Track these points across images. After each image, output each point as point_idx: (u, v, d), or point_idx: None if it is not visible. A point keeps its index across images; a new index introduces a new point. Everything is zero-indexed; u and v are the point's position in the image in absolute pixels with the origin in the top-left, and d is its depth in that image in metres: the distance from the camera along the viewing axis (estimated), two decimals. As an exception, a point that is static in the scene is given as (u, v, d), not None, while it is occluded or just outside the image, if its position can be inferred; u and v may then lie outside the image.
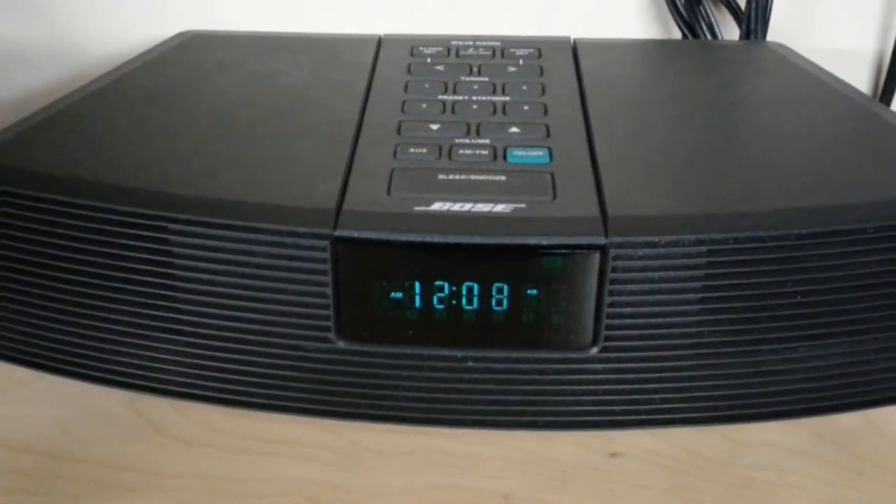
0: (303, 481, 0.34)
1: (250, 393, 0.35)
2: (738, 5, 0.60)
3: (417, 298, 0.33)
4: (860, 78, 0.65)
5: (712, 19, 0.58)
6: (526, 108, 0.42)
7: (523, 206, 0.33)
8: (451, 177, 0.35)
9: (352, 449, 0.35)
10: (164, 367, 0.36)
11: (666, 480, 0.34)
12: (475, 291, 0.32)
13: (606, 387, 0.34)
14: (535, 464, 0.35)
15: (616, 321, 0.33)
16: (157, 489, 0.33)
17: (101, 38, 0.65)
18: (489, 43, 0.53)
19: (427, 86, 0.46)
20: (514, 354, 0.34)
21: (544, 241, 0.32)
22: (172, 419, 0.37)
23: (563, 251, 0.32)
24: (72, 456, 0.35)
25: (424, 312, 0.33)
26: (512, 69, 0.48)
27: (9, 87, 0.67)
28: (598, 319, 0.33)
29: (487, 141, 0.39)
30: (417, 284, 0.32)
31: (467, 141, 0.39)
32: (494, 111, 0.42)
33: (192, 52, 0.52)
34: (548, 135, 0.39)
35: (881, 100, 0.63)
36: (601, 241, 0.32)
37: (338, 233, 0.32)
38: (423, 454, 0.35)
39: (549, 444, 0.35)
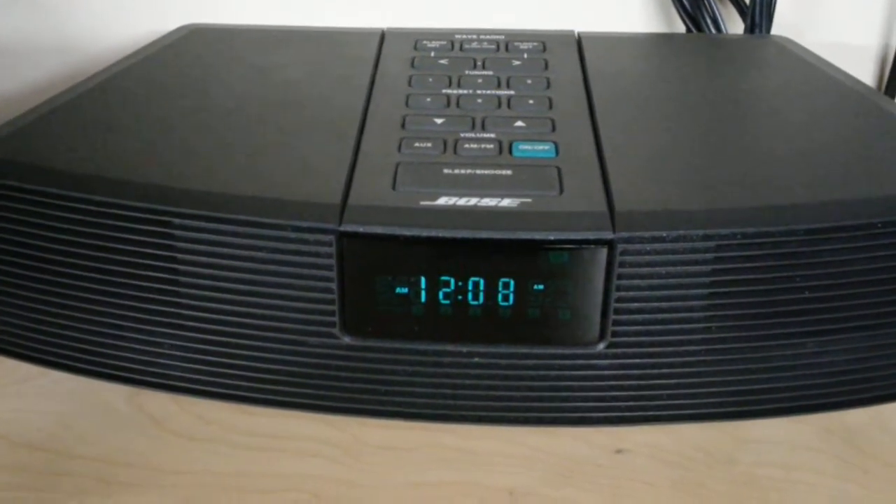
0: (306, 477, 0.34)
1: (254, 388, 0.35)
2: (742, -1, 0.59)
3: (423, 293, 0.32)
4: (865, 71, 0.65)
5: (716, 13, 0.58)
6: (531, 102, 0.42)
7: (529, 200, 0.33)
8: (456, 171, 0.35)
9: (356, 444, 0.35)
10: (167, 362, 0.36)
11: (671, 477, 0.34)
12: (481, 287, 0.32)
13: (612, 383, 0.34)
14: (540, 459, 0.34)
15: (623, 317, 0.32)
16: (159, 485, 0.33)
17: (102, 32, 0.65)
18: (493, 37, 0.53)
19: (431, 80, 0.45)
20: (520, 350, 0.33)
21: (551, 236, 0.31)
22: (175, 414, 0.37)
23: (569, 246, 0.31)
24: (73, 451, 0.35)
25: (430, 308, 0.33)
26: (516, 63, 0.48)
27: (9, 81, 0.67)
28: (604, 315, 0.33)
29: (493, 135, 0.38)
30: (423, 279, 0.32)
31: (472, 135, 0.38)
32: (499, 105, 0.42)
33: (193, 45, 0.52)
34: (553, 129, 0.39)
35: (886, 93, 0.63)
36: (608, 235, 0.31)
37: (343, 227, 0.32)
38: (427, 450, 0.35)
39: (555, 439, 0.35)
